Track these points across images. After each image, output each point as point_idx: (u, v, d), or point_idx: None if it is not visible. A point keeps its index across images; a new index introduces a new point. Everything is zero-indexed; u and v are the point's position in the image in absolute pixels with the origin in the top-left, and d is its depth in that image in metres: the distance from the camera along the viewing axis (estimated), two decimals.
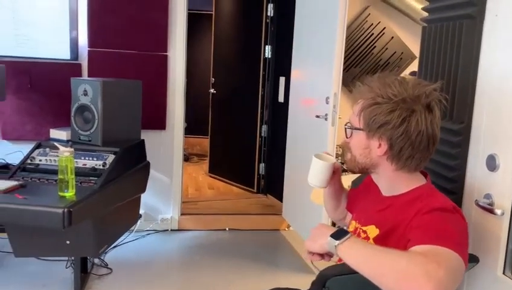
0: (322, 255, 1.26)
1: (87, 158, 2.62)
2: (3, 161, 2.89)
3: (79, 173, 2.44)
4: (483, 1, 1.54)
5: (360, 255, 1.14)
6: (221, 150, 5.50)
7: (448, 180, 1.66)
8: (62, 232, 2.29)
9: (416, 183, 1.35)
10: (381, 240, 1.31)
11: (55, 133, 2.95)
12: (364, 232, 1.41)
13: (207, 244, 3.71)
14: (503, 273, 1.44)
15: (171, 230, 3.87)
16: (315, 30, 3.42)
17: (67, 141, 2.83)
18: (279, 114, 4.52)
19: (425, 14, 1.92)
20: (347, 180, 1.96)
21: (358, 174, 1.93)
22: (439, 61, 1.76)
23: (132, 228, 3.43)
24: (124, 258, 3.30)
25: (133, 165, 2.86)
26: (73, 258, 2.82)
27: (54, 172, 2.37)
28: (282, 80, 4.42)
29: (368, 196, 1.51)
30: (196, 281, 3.11)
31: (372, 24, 4.19)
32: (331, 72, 3.06)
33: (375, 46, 4.23)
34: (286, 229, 4.08)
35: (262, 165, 4.91)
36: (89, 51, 3.50)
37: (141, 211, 3.27)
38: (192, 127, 5.55)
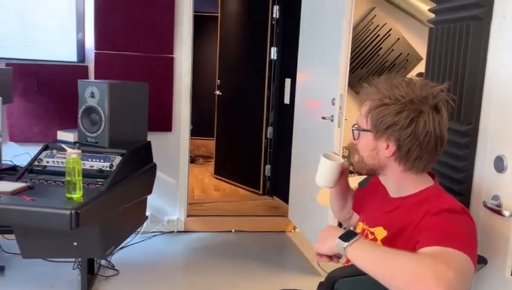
0: (330, 257, 1.26)
1: (94, 160, 2.63)
2: (11, 163, 2.91)
3: (86, 174, 2.45)
4: (491, 2, 1.54)
5: (369, 256, 1.14)
6: (227, 151, 5.51)
7: (456, 182, 1.66)
8: (69, 234, 2.30)
9: (424, 184, 1.35)
10: (390, 242, 1.31)
11: (62, 135, 2.97)
12: (372, 233, 1.41)
13: (213, 246, 3.72)
14: None
15: (177, 232, 3.88)
16: (321, 31, 3.41)
17: (74, 142, 2.85)
18: (284, 116, 4.52)
19: (432, 15, 1.92)
20: (353, 182, 1.96)
21: (365, 176, 1.93)
22: (446, 63, 1.76)
23: (138, 230, 3.44)
24: (131, 259, 3.31)
25: (139, 167, 2.87)
26: (80, 259, 2.83)
27: (61, 174, 2.38)
28: (287, 81, 4.42)
29: (375, 198, 1.51)
30: (202, 282, 3.11)
31: (378, 25, 4.19)
32: (337, 73, 3.05)
33: (381, 48, 4.23)
34: (292, 231, 4.08)
35: (268, 166, 4.91)
36: (95, 53, 3.52)
37: (147, 213, 3.28)
38: (198, 128, 5.56)
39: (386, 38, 4.22)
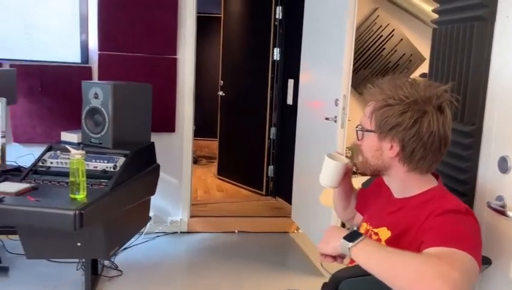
0: (334, 257, 1.26)
1: (98, 161, 2.64)
2: (15, 164, 2.91)
3: (90, 175, 2.46)
4: (495, 3, 1.53)
5: (374, 257, 1.14)
6: (230, 152, 5.51)
7: (460, 182, 1.66)
8: (73, 234, 2.31)
9: (428, 185, 1.35)
10: (394, 242, 1.30)
11: (66, 136, 2.98)
12: (376, 234, 1.41)
13: (216, 247, 3.72)
14: None
15: (181, 232, 3.88)
16: (324, 32, 3.41)
17: (78, 143, 2.85)
18: (287, 116, 4.52)
19: (435, 15, 1.92)
20: (357, 182, 1.96)
21: (368, 177, 1.93)
22: (449, 63, 1.76)
23: (142, 230, 3.45)
24: (134, 260, 3.32)
25: (143, 168, 2.88)
26: (83, 260, 2.83)
27: (65, 174, 2.39)
28: (290, 82, 4.42)
29: (379, 198, 1.51)
30: (205, 283, 3.12)
31: (381, 26, 4.19)
32: (340, 74, 3.05)
33: (384, 48, 4.22)
34: (295, 231, 4.07)
35: (271, 167, 4.91)
36: (99, 54, 3.53)
37: (151, 214, 3.28)
38: (201, 129, 5.57)
39: (389, 38, 4.21)
